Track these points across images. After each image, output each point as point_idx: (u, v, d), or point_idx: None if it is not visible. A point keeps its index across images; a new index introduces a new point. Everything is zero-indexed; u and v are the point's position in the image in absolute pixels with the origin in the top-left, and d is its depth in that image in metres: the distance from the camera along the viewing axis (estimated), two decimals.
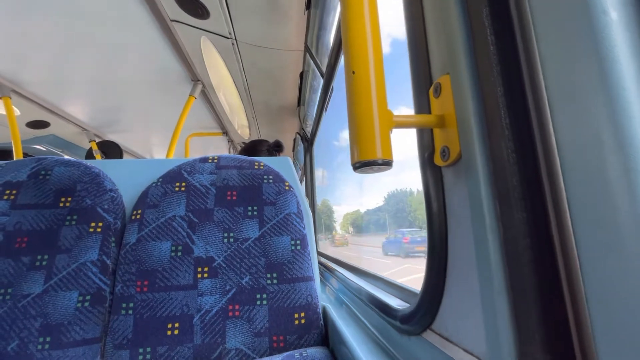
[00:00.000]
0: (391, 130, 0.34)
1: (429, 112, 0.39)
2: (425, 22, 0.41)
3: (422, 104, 0.39)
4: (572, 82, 0.23)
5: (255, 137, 2.70)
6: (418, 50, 0.41)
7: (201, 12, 1.27)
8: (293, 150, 2.87)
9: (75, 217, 0.74)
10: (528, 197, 0.27)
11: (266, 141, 1.72)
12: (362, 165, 0.33)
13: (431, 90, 0.39)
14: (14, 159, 1.79)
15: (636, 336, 0.19)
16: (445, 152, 0.35)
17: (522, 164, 0.27)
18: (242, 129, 2.60)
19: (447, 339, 0.37)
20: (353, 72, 0.34)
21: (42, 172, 0.78)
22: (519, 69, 0.28)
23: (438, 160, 0.37)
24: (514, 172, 0.27)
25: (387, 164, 0.32)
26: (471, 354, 0.33)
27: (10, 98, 1.73)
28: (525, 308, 0.26)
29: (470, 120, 0.30)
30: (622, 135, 0.20)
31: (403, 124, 0.35)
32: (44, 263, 0.69)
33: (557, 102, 0.24)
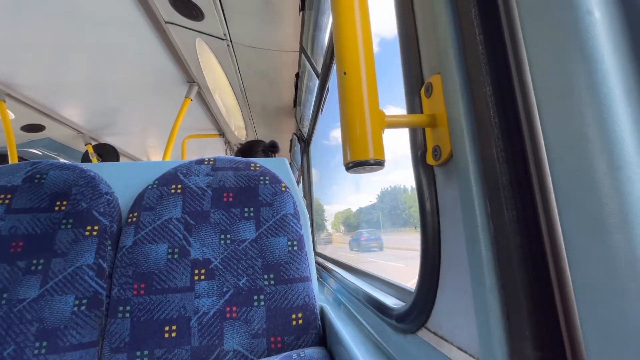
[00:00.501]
0: (383, 131, 0.34)
1: (421, 112, 0.39)
2: (416, 22, 0.41)
3: (414, 104, 0.40)
4: (558, 80, 0.23)
5: (252, 138, 2.69)
6: (409, 50, 0.41)
7: (195, 14, 1.27)
8: (290, 151, 2.87)
9: (70, 220, 0.74)
10: (518, 196, 0.27)
11: (262, 141, 1.72)
12: (354, 165, 0.33)
13: (422, 90, 0.39)
14: (9, 163, 1.78)
15: (623, 331, 0.19)
16: (436, 152, 0.35)
17: (512, 162, 0.27)
18: (239, 130, 2.60)
19: (441, 337, 0.37)
20: (344, 73, 0.34)
21: (37, 176, 0.78)
22: (508, 68, 0.28)
23: (430, 160, 0.38)
24: (504, 170, 0.27)
25: (379, 164, 0.33)
26: (465, 351, 0.33)
27: (5, 102, 1.72)
28: (516, 305, 0.26)
29: (461, 119, 0.30)
30: (606, 132, 0.20)
31: (395, 124, 0.35)
32: (40, 267, 0.69)
33: (545, 100, 0.24)
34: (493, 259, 0.27)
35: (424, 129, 0.39)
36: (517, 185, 0.27)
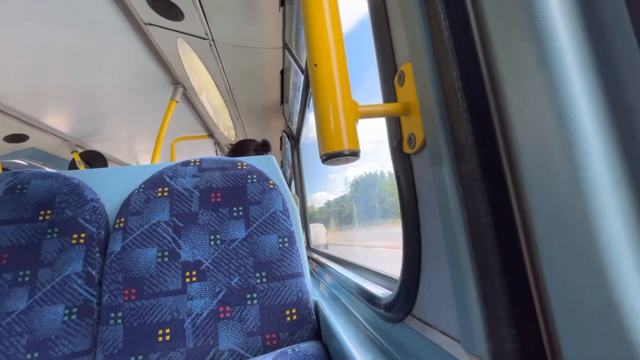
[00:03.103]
0: (357, 121, 0.34)
1: (395, 101, 0.39)
2: (387, 12, 0.41)
3: (389, 93, 0.40)
4: (518, 60, 0.23)
5: (241, 138, 2.67)
6: (382, 40, 0.41)
7: (175, 14, 1.25)
8: (281, 149, 2.86)
9: (56, 229, 0.73)
10: (488, 178, 0.27)
11: (254, 141, 1.71)
12: (329, 157, 0.33)
13: (395, 78, 0.39)
14: None
15: (586, 300, 0.19)
16: (411, 140, 0.36)
17: (481, 145, 0.27)
18: (228, 130, 2.58)
19: (426, 323, 0.38)
20: (315, 65, 0.34)
21: (19, 186, 0.76)
22: (474, 52, 0.28)
23: (406, 148, 0.38)
24: (474, 154, 0.27)
25: (354, 154, 0.33)
26: (447, 335, 0.33)
27: None
28: (491, 286, 0.26)
29: (431, 106, 0.30)
30: (563, 110, 0.20)
31: (369, 113, 0.35)
32: (27, 278, 0.68)
33: (507, 80, 0.25)
34: (467, 241, 0.28)
35: (399, 118, 0.39)
36: (487, 167, 0.27)
